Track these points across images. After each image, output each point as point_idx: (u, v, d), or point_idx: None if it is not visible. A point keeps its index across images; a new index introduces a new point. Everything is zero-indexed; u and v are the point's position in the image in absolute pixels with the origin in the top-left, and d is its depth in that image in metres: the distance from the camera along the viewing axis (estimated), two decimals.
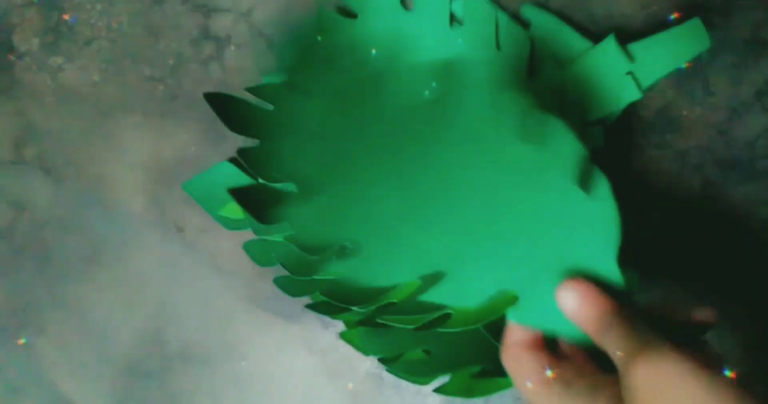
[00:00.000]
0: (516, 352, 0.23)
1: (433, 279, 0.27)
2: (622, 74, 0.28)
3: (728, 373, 0.27)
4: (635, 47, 0.28)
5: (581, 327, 0.22)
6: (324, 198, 0.30)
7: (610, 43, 0.28)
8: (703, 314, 0.22)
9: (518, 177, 0.24)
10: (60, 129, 0.37)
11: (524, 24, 0.30)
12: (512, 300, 0.26)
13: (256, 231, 0.32)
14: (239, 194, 0.30)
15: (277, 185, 0.31)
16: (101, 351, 0.37)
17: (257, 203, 0.30)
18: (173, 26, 0.35)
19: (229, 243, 0.35)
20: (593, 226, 0.23)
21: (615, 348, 0.20)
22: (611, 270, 0.23)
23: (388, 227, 0.27)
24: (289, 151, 0.31)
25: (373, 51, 0.30)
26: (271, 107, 0.31)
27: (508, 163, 0.24)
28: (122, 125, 0.36)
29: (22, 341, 0.37)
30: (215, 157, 0.35)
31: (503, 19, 0.29)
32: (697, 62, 0.30)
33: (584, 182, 0.23)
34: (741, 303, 0.31)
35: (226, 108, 0.30)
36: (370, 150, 0.30)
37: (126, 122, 0.36)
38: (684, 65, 0.28)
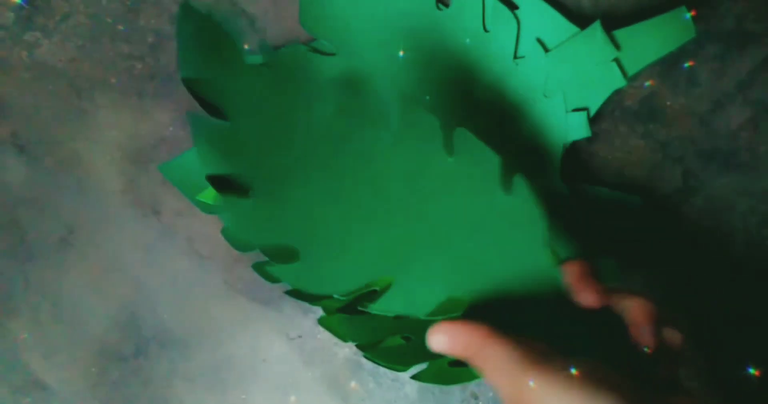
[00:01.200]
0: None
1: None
2: (608, 61, 0.28)
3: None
4: (621, 34, 0.28)
5: (464, 360, 0.22)
6: (268, 196, 0.29)
7: (595, 30, 0.28)
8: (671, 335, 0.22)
9: (445, 186, 0.25)
10: (35, 106, 0.36)
11: (511, 5, 0.29)
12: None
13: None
14: (215, 180, 0.29)
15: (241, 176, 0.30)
16: (75, 334, 0.36)
17: (232, 190, 0.29)
18: (153, 2, 0.34)
19: (206, 227, 0.35)
20: (521, 224, 0.24)
21: (497, 378, 0.20)
22: (547, 264, 0.24)
23: (331, 234, 0.27)
24: (246, 137, 0.30)
25: (401, 53, 0.30)
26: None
27: (434, 174, 0.25)
28: (99, 103, 0.35)
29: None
30: None
31: (490, 0, 0.29)
32: (681, 52, 0.30)
33: (503, 184, 0.24)
34: (719, 291, 0.32)
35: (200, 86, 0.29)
36: (309, 153, 0.29)
37: (102, 100, 0.35)
38: (673, 50, 0.28)
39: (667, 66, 0.31)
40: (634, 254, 0.32)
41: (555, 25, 0.29)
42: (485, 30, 0.29)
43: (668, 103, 0.31)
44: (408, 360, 0.29)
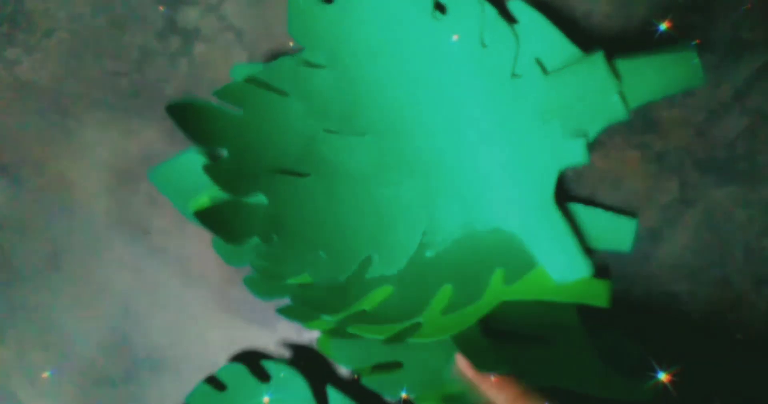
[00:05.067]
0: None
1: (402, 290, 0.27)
2: (610, 93, 0.27)
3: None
4: (624, 64, 0.27)
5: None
6: (297, 207, 0.29)
7: (598, 61, 0.27)
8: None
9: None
10: (18, 126, 0.35)
11: (510, 18, 0.28)
12: (481, 310, 0.26)
13: None
14: (205, 216, 0.28)
15: (248, 199, 0.29)
16: (63, 359, 0.35)
17: (225, 222, 0.29)
18: (138, 18, 0.33)
19: (197, 246, 0.34)
20: None
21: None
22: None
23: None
24: (260, 159, 0.29)
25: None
26: (240, 111, 0.29)
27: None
28: (84, 122, 0.34)
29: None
30: None
31: (490, 13, 0.28)
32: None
33: None
34: (716, 310, 0.31)
35: (189, 118, 0.29)
36: (345, 153, 0.29)
37: (88, 119, 0.34)
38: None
39: None
40: (628, 266, 0.31)
41: (554, 44, 0.28)
42: (483, 45, 0.28)
43: (664, 113, 0.31)
44: (401, 391, 0.28)
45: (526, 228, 0.29)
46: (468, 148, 0.29)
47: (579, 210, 0.29)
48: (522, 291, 0.28)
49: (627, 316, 0.31)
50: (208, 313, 0.34)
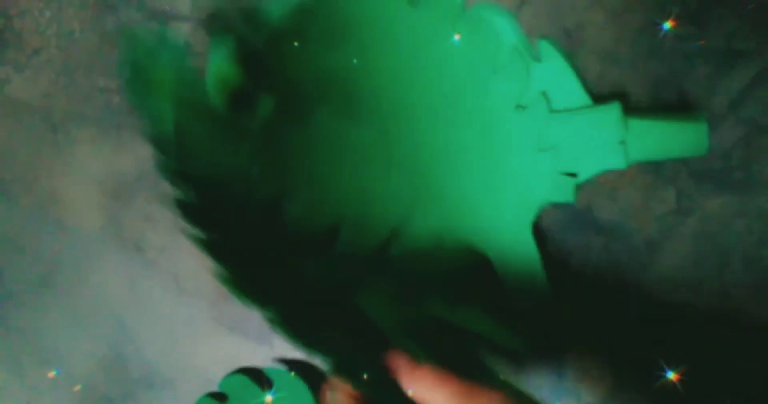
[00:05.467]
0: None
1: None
2: (615, 142, 0.28)
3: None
4: (633, 122, 0.28)
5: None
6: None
7: (613, 109, 0.27)
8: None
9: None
10: (9, 143, 0.34)
11: (531, 55, 0.28)
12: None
13: None
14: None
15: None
16: (59, 378, 0.35)
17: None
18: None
19: (191, 262, 0.34)
20: None
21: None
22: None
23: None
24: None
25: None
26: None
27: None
28: (76, 139, 0.34)
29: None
30: None
31: (507, 43, 0.28)
32: (671, 72, 0.30)
33: None
34: (715, 320, 0.31)
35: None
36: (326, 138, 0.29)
37: (80, 135, 0.34)
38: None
39: (657, 87, 0.30)
40: (626, 277, 0.31)
41: (568, 88, 0.28)
42: (493, 71, 0.28)
43: None
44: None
45: (496, 252, 0.29)
46: (459, 165, 0.29)
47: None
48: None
49: (624, 327, 0.31)
50: (203, 329, 0.34)
